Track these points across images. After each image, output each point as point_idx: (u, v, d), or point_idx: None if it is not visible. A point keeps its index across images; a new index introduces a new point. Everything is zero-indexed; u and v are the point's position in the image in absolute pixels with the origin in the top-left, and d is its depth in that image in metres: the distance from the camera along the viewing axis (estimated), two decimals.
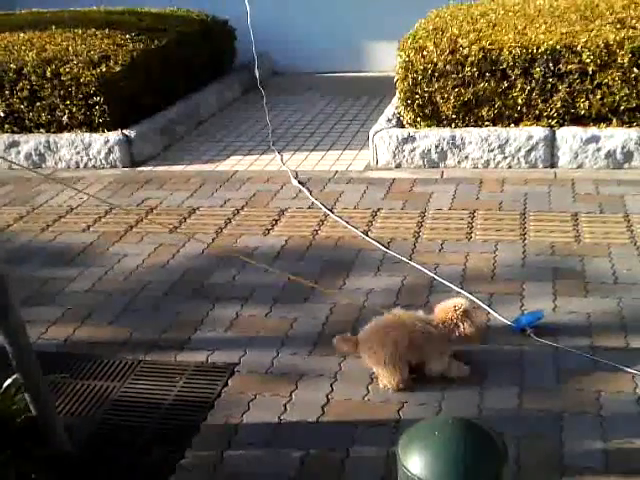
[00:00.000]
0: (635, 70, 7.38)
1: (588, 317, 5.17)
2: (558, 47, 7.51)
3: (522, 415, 4.30)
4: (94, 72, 8.75)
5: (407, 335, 4.49)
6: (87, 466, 4.17)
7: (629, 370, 4.57)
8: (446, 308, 4.59)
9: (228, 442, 4.26)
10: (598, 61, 7.42)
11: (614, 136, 7.56)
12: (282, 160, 8.81)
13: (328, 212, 7.16)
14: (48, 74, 8.85)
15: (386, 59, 11.07)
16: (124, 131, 8.96)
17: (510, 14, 8.63)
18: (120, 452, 4.25)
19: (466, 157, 8.00)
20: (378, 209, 7.18)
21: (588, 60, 7.43)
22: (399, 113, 8.45)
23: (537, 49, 7.54)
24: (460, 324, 4.52)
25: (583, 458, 3.94)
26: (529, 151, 7.81)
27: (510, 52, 7.60)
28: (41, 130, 9.22)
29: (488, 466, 2.65)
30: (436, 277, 5.79)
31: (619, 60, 7.38)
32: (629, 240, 6.20)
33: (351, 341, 4.64)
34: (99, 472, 4.11)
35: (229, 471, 4.05)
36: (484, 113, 7.93)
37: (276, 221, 7.08)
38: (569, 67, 7.52)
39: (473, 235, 6.50)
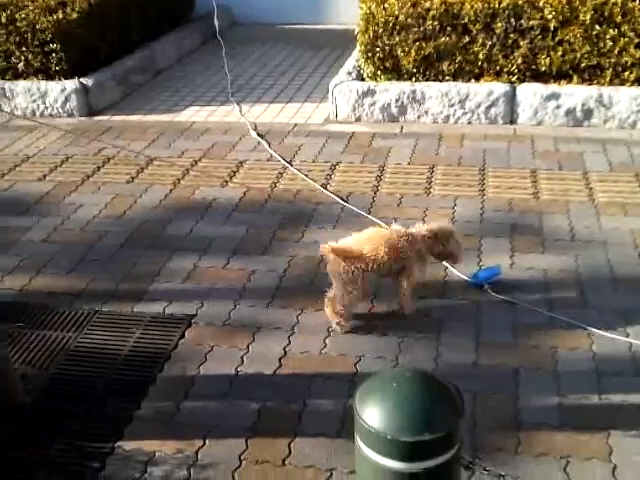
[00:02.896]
0: (597, 27, 7.39)
1: (545, 273, 5.20)
2: (520, 2, 7.49)
3: (478, 370, 4.33)
4: (50, 18, 8.61)
5: (387, 244, 4.57)
6: (42, 416, 4.14)
7: (585, 327, 4.61)
8: (434, 225, 4.76)
9: (185, 393, 4.25)
10: (560, 17, 7.42)
11: (574, 93, 7.58)
12: (241, 111, 8.75)
13: (287, 165, 7.13)
14: (3, 20, 8.71)
15: (348, 11, 10.98)
16: (81, 79, 8.83)
17: None
18: (76, 403, 4.22)
19: (426, 112, 7.99)
20: (337, 162, 7.16)
21: (550, 16, 7.43)
22: (359, 66, 8.41)
23: (499, 4, 7.52)
24: (444, 243, 4.73)
25: (538, 414, 3.97)
26: (489, 107, 7.80)
27: (472, 6, 7.57)
28: None
29: (445, 418, 2.66)
30: None
31: (581, 17, 7.38)
32: (587, 198, 6.23)
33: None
34: (54, 422, 4.09)
35: (185, 422, 4.04)
36: (445, 68, 7.91)
37: (234, 173, 7.04)
38: (531, 23, 7.51)
39: (432, 190, 6.50)
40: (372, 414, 2.67)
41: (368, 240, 4.60)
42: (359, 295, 4.61)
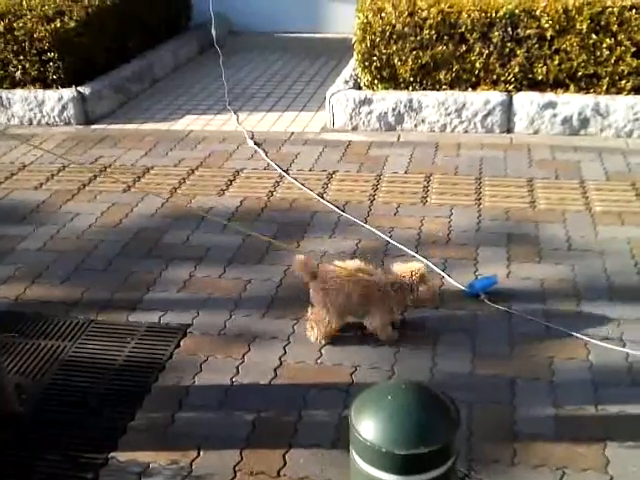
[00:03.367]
0: (593, 36, 7.39)
1: (542, 283, 5.18)
2: (517, 11, 7.50)
3: (474, 380, 4.31)
4: (48, 27, 8.61)
5: (362, 290, 4.50)
6: (37, 426, 4.12)
7: (582, 337, 4.59)
8: (404, 270, 4.61)
9: (179, 404, 4.23)
10: (557, 26, 7.43)
11: (571, 102, 7.58)
12: (238, 120, 8.75)
13: (283, 173, 7.12)
14: (1, 28, 8.69)
15: (345, 20, 10.95)
16: (78, 88, 8.83)
17: None
18: (70, 413, 4.20)
19: (423, 120, 7.99)
20: (334, 171, 7.15)
21: (547, 25, 7.43)
22: (356, 75, 8.41)
23: (496, 13, 7.53)
24: (415, 288, 4.56)
25: (535, 424, 3.95)
26: (486, 116, 7.80)
27: (469, 15, 7.58)
28: None
29: (441, 431, 2.65)
30: (391, 241, 5.78)
31: (578, 26, 7.38)
32: (584, 207, 6.22)
33: (310, 270, 4.58)
34: (49, 433, 4.07)
35: (180, 433, 4.02)
36: (442, 77, 7.91)
37: (231, 182, 7.03)
38: (527, 32, 7.52)
39: (428, 199, 6.49)
40: (367, 427, 2.66)
41: (348, 282, 4.51)
42: (335, 324, 4.61)
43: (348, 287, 4.50)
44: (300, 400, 4.21)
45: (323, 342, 4.64)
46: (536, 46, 7.55)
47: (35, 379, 4.49)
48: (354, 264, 4.65)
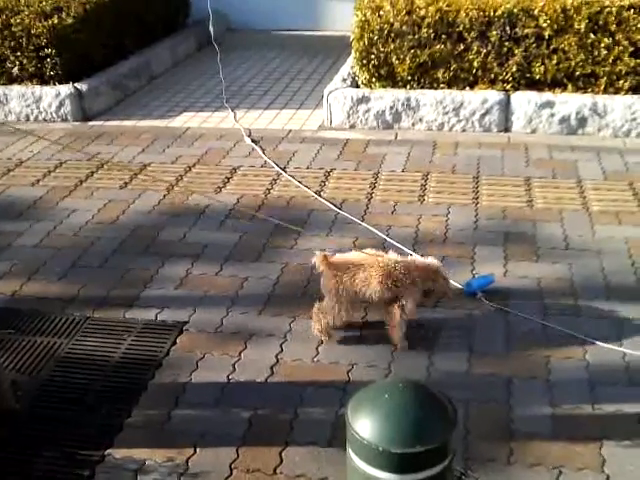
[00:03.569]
0: (591, 36, 7.39)
1: (539, 282, 5.18)
2: (515, 11, 7.49)
3: (471, 379, 4.31)
4: (46, 24, 8.60)
5: (380, 270, 4.43)
6: (33, 423, 4.12)
7: (579, 336, 4.59)
8: (426, 262, 4.63)
9: (176, 401, 4.22)
10: (555, 26, 7.42)
11: (568, 102, 7.57)
12: (235, 117, 8.74)
13: (281, 171, 7.11)
14: None
15: (343, 18, 10.95)
16: (76, 84, 8.82)
17: None
18: (67, 410, 4.20)
19: (420, 119, 7.98)
20: (331, 169, 7.14)
21: (545, 24, 7.43)
22: (354, 73, 8.40)
23: (494, 12, 7.52)
24: (437, 280, 4.58)
25: (531, 423, 3.95)
26: (483, 115, 7.80)
27: (467, 14, 7.58)
28: None
29: (437, 430, 2.64)
30: (388, 239, 5.77)
31: (576, 25, 7.38)
32: (581, 206, 6.22)
33: (327, 261, 4.52)
34: (45, 430, 4.06)
35: (176, 430, 4.02)
36: (439, 75, 7.90)
37: (228, 179, 7.02)
38: (525, 31, 7.51)
39: (426, 198, 6.49)
40: (364, 425, 2.66)
41: (363, 266, 4.48)
42: (346, 314, 4.59)
43: (364, 271, 4.45)
44: (297, 398, 4.20)
45: (324, 338, 4.63)
46: (534, 45, 7.55)
47: (31, 376, 4.49)
48: (367, 250, 4.63)
